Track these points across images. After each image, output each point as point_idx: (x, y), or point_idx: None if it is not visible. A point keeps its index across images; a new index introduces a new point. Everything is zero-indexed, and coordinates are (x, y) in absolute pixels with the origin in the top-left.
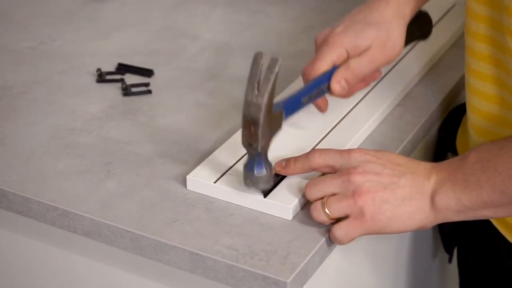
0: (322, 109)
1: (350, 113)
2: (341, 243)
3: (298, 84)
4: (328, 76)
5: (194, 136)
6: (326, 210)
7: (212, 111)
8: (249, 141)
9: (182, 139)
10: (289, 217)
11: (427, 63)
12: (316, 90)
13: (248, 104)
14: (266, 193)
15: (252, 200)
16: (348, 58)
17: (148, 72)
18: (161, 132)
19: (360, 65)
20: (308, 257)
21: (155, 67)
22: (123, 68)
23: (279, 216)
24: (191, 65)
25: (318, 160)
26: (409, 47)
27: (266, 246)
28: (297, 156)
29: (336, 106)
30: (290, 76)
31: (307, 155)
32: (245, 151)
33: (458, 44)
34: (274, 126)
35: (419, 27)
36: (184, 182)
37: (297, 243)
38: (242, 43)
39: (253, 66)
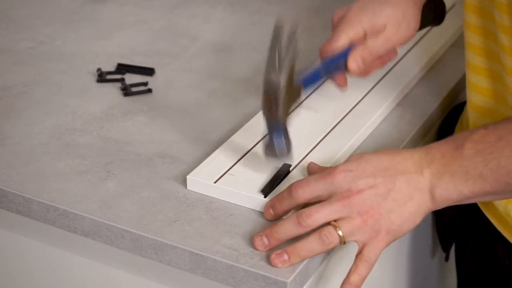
0: (343, 86)
1: (350, 113)
2: (372, 264)
3: None
4: (344, 53)
5: (194, 136)
6: (340, 232)
7: (212, 111)
8: (269, 115)
9: (182, 139)
10: None
11: (427, 63)
12: (334, 66)
13: (268, 80)
14: (266, 193)
15: (253, 200)
16: (364, 37)
17: (149, 71)
18: (161, 132)
19: (377, 44)
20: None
21: (155, 67)
22: (123, 68)
23: None
24: (191, 65)
25: (304, 196)
26: (409, 46)
27: None
28: (279, 196)
29: (336, 106)
30: None
31: (289, 192)
32: (245, 151)
33: (458, 44)
34: (293, 99)
35: (432, 10)
36: (184, 182)
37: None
38: (242, 43)
39: (273, 38)
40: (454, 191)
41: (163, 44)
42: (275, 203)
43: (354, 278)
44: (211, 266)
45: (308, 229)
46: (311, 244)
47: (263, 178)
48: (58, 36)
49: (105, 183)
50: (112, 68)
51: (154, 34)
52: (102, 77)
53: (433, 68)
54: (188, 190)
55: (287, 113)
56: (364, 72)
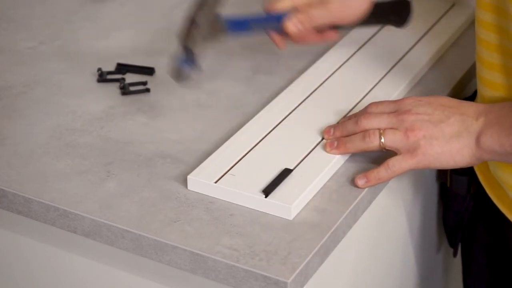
0: (279, 45)
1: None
2: (393, 173)
3: (300, 82)
4: (281, 16)
5: (194, 136)
6: (382, 140)
7: (212, 111)
8: (185, 37)
9: (182, 139)
10: (290, 217)
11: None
12: (269, 23)
13: (193, 4)
14: (267, 193)
15: (253, 200)
16: (308, 6)
17: (149, 70)
18: (161, 132)
19: (318, 13)
20: (309, 258)
21: (155, 67)
22: (123, 68)
23: (280, 216)
24: None
25: (375, 110)
26: (412, 43)
27: (266, 246)
28: (352, 114)
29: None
30: (291, 77)
31: (365, 109)
32: (245, 152)
33: (458, 44)
34: (211, 33)
35: (396, 12)
36: (184, 182)
37: (297, 243)
38: (242, 43)
39: None
40: (497, 141)
41: (163, 44)
42: (349, 118)
43: (371, 175)
44: (211, 266)
45: (361, 129)
46: (356, 140)
47: (264, 178)
48: (58, 36)
49: (105, 183)
50: (112, 68)
51: (154, 34)
52: (102, 77)
53: (434, 68)
54: (188, 190)
55: (201, 42)
56: (301, 38)
